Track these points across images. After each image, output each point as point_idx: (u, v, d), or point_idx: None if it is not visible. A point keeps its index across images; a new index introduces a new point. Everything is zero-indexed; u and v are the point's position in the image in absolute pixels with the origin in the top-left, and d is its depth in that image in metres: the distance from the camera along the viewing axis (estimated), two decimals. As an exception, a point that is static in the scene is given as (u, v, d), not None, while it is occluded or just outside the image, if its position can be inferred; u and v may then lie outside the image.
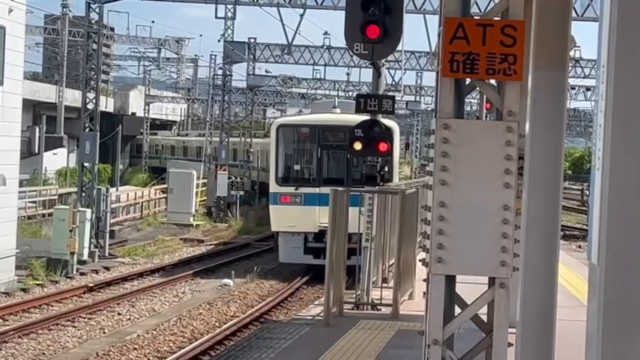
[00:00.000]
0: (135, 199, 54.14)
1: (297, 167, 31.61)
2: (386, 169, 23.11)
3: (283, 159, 31.17)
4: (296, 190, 30.21)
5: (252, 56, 59.62)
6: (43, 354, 19.55)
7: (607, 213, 3.57)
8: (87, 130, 36.30)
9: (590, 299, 3.74)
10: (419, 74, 72.22)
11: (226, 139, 56.36)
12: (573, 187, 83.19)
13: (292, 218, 29.81)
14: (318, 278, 26.08)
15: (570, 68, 52.06)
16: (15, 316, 23.01)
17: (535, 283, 7.20)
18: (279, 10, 46.53)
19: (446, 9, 6.79)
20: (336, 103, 34.11)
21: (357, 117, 21.72)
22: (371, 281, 17.15)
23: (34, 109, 66.58)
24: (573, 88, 63.73)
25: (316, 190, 29.38)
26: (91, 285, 27.23)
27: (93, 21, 37.91)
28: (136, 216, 52.01)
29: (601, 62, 3.66)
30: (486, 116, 16.89)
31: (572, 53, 48.63)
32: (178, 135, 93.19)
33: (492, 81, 7.14)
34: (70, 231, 30.23)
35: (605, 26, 3.62)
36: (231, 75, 60.01)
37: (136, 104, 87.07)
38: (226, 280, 29.69)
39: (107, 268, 31.66)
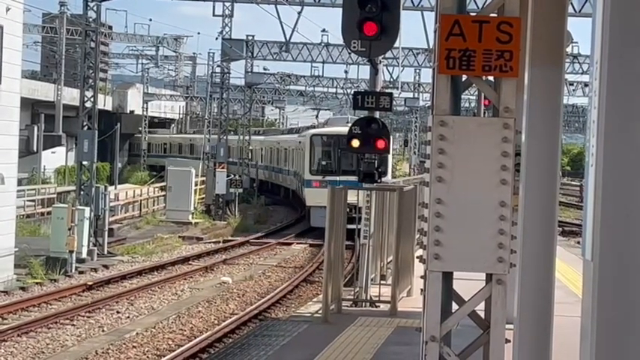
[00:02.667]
0: (133, 197, 54.16)
1: (323, 163, 45.18)
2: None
3: (314, 157, 45.13)
4: (323, 178, 42.97)
5: (250, 54, 59.61)
6: (42, 352, 19.56)
7: (601, 209, 3.57)
8: (85, 128, 36.30)
9: (585, 295, 3.75)
10: (417, 71, 72.20)
11: (224, 137, 56.41)
12: (572, 183, 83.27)
13: (320, 197, 38.58)
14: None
15: (568, 64, 52.08)
16: (14, 314, 23.02)
17: (532, 279, 7.21)
18: (276, 8, 46.62)
19: (442, 6, 6.79)
20: (349, 119, 43.97)
21: None
22: (369, 278, 17.16)
23: (32, 108, 66.63)
24: (572, 84, 63.70)
25: (337, 178, 40.51)
26: (89, 283, 27.23)
27: (91, 19, 37.89)
28: (135, 214, 52.02)
29: (594, 59, 3.67)
30: (484, 112, 16.92)
31: (569, 49, 48.60)
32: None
33: (490, 77, 7.14)
34: (69, 229, 30.23)
35: (599, 23, 3.63)
36: (229, 73, 60.07)
37: (134, 102, 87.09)
38: (225, 278, 29.72)
39: (106, 267, 31.66)
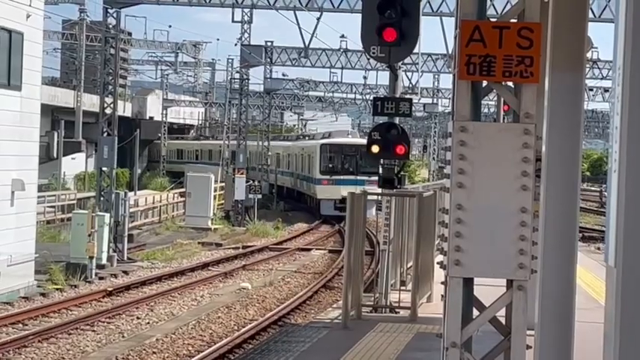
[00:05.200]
0: (153, 203, 54.27)
1: (330, 165, 56.87)
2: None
3: (323, 161, 56.88)
4: (330, 177, 55.86)
5: (269, 60, 59.69)
6: (63, 358, 19.62)
7: (624, 215, 3.56)
8: (105, 134, 36.42)
9: (607, 301, 3.74)
10: (436, 77, 72.16)
11: (244, 143, 56.49)
12: (592, 188, 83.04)
13: (328, 191, 55.35)
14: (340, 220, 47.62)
15: (588, 69, 51.91)
16: (34, 320, 23.09)
17: (553, 285, 7.19)
18: (295, 14, 46.52)
19: (462, 12, 6.79)
20: (349, 132, 63.98)
21: (361, 140, 50.53)
22: (389, 284, 17.15)
23: (52, 114, 66.92)
24: (591, 90, 63.57)
25: (341, 177, 55.11)
26: (110, 289, 27.29)
27: (110, 26, 38.03)
28: (155, 220, 52.13)
29: (617, 65, 3.66)
30: (504, 118, 16.89)
31: (589, 54, 48.48)
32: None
33: (511, 83, 7.14)
34: (89, 235, 30.31)
35: (621, 28, 3.62)
36: (248, 78, 60.12)
37: (153, 108, 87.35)
38: (245, 284, 29.74)
39: (126, 272, 31.72)
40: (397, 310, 16.70)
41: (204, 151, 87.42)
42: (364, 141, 58.61)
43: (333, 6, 41.07)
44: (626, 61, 3.58)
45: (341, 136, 59.09)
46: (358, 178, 52.97)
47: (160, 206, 54.71)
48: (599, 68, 54.69)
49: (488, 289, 7.40)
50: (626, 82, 3.57)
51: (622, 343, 3.58)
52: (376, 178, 52.24)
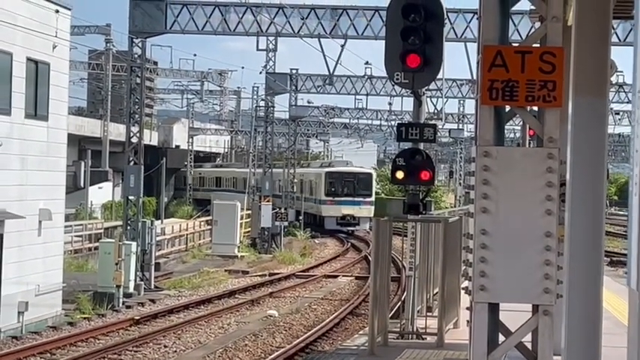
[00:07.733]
0: (180, 231, 54.36)
1: (333, 189, 67.32)
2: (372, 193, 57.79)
3: (327, 185, 67.39)
4: (333, 198, 66.69)
5: (294, 87, 59.87)
6: (91, 387, 19.63)
7: (645, 238, 3.55)
8: (131, 163, 36.57)
9: (631, 324, 3.72)
10: (461, 102, 72.12)
11: (269, 170, 56.57)
12: (620, 212, 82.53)
13: (332, 210, 66.28)
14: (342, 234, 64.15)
15: (614, 94, 51.73)
16: (62, 349, 23.13)
17: (579, 309, 7.16)
18: (319, 41, 46.57)
19: (484, 37, 6.80)
20: (347, 162, 74.12)
21: (360, 168, 71.59)
22: (415, 310, 17.09)
23: (79, 144, 67.22)
24: (618, 114, 63.30)
25: (342, 198, 66.52)
26: (137, 318, 27.31)
27: (136, 55, 38.25)
28: (181, 248, 52.20)
29: (637, 88, 3.66)
30: (530, 143, 16.86)
31: (614, 78, 48.30)
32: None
33: (534, 107, 7.14)
34: (116, 264, 30.39)
35: (640, 52, 3.62)
36: (273, 106, 60.26)
37: (179, 137, 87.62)
38: (271, 311, 29.70)
39: (153, 301, 31.76)
40: (424, 336, 16.64)
41: (230, 179, 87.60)
42: (360, 169, 71.34)
43: (357, 33, 41.14)
44: (646, 84, 3.58)
45: (341, 165, 71.21)
46: (355, 199, 66.65)
47: (187, 234, 54.80)
48: (625, 92, 54.49)
49: (514, 314, 7.37)
50: (645, 105, 3.57)
51: (645, 367, 3.56)
52: (369, 199, 68.33)
